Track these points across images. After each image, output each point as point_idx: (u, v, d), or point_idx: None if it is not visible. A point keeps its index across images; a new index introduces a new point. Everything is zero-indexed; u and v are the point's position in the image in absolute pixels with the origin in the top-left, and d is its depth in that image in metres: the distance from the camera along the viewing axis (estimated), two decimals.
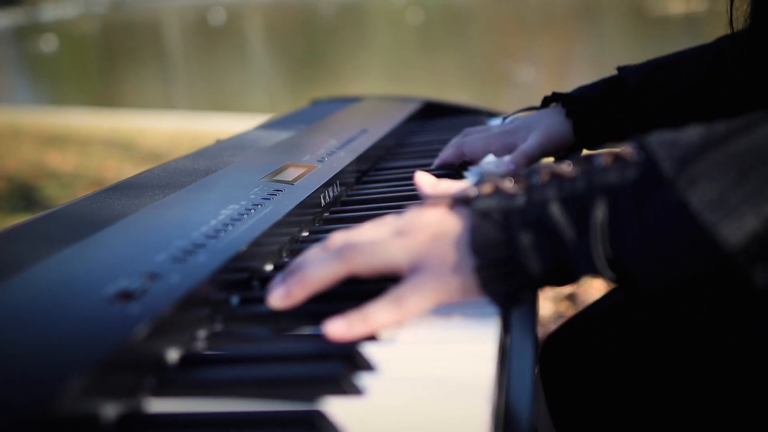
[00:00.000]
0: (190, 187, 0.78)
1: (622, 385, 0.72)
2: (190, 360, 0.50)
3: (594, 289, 2.02)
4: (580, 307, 1.90)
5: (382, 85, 7.55)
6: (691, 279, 0.48)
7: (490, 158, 0.99)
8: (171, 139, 4.93)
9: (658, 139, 0.49)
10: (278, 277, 0.57)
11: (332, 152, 0.99)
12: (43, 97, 10.35)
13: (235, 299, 0.59)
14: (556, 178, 0.51)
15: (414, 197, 0.84)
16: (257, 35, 18.89)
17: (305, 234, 0.77)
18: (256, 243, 0.64)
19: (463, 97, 5.03)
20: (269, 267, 0.66)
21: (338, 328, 0.51)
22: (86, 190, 3.39)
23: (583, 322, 0.82)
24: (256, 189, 0.78)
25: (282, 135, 1.11)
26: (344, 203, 0.89)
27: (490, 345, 0.50)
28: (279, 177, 0.84)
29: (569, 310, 1.94)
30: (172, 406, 0.46)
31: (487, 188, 0.53)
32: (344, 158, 0.97)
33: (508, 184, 0.52)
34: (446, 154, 0.97)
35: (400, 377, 0.47)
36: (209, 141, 1.14)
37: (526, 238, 0.49)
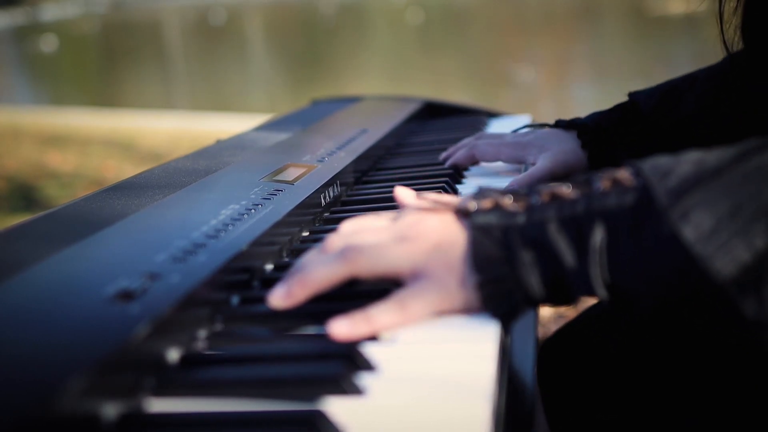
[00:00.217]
0: (190, 187, 0.78)
1: (622, 386, 0.72)
2: (190, 360, 0.50)
3: None
4: (580, 308, 1.90)
5: (382, 85, 7.54)
6: (685, 303, 0.48)
7: (498, 165, 1.00)
8: (171, 139, 4.93)
9: (652, 168, 0.49)
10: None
11: (332, 152, 0.99)
12: (43, 97, 10.35)
13: (235, 299, 0.59)
14: (556, 199, 0.51)
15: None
16: (257, 35, 18.89)
17: (305, 234, 0.77)
18: (257, 243, 0.64)
19: (463, 97, 5.04)
20: (269, 267, 0.66)
21: (342, 328, 0.51)
22: (86, 190, 3.38)
23: (583, 323, 0.83)
24: (256, 189, 0.78)
25: (282, 135, 1.11)
26: (344, 203, 0.89)
27: (490, 345, 0.50)
28: (279, 177, 0.84)
29: (569, 311, 1.94)
30: (173, 406, 0.46)
31: (487, 203, 0.53)
32: (344, 158, 0.97)
33: (508, 202, 0.53)
34: (458, 155, 0.98)
35: (401, 377, 0.47)
36: (209, 141, 1.14)
37: (525, 257, 0.50)
